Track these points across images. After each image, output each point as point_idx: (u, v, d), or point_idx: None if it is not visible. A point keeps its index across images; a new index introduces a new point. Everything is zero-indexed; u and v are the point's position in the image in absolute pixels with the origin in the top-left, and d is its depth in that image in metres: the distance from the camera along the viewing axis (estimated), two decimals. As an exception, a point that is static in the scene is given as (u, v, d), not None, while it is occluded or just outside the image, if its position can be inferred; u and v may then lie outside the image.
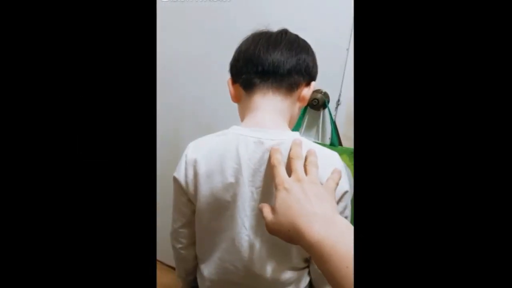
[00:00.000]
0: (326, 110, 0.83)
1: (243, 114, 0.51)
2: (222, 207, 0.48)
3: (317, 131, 0.86)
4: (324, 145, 0.81)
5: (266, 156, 0.44)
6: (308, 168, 0.37)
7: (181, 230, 0.56)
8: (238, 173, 0.45)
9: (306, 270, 0.54)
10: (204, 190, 0.47)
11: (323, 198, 0.34)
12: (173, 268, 1.33)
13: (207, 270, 0.54)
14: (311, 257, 0.33)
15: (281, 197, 0.34)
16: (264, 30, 0.51)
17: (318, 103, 0.81)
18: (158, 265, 1.35)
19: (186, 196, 0.51)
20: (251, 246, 0.48)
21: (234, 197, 0.46)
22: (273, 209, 0.35)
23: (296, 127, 0.82)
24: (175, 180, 0.51)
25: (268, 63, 0.46)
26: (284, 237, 0.34)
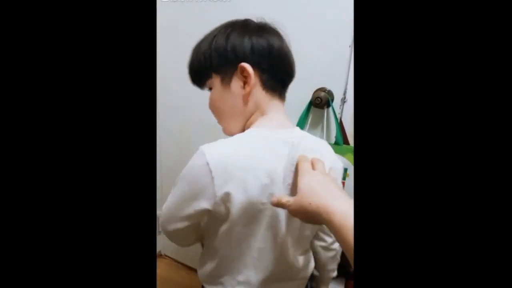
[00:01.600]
0: (330, 108, 0.82)
1: (249, 113, 0.48)
2: (257, 210, 0.46)
3: (322, 129, 0.85)
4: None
5: (293, 154, 0.45)
6: (316, 164, 0.43)
7: (184, 232, 0.53)
8: (273, 173, 0.44)
9: (311, 255, 0.59)
10: (238, 198, 0.44)
11: (334, 182, 0.40)
12: (186, 266, 1.35)
13: (245, 276, 0.52)
14: (334, 231, 0.33)
15: (305, 180, 0.39)
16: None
17: (322, 102, 0.80)
18: (169, 261, 1.37)
19: (205, 203, 0.45)
20: (285, 238, 0.50)
21: (271, 197, 0.44)
22: (297, 192, 0.39)
23: (300, 126, 0.81)
24: (194, 184, 0.45)
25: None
26: (309, 216, 0.37)
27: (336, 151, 0.75)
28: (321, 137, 0.86)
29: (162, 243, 1.38)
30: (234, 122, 0.50)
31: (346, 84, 0.82)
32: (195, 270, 1.25)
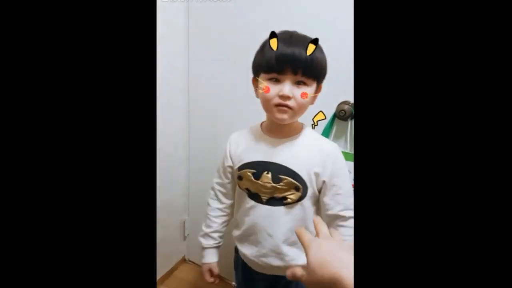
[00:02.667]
0: (354, 121, 0.86)
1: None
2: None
3: (345, 141, 0.89)
4: (351, 154, 0.83)
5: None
6: (318, 227, 0.43)
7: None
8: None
9: None
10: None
11: (341, 245, 0.40)
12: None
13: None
14: None
15: (313, 251, 0.38)
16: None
17: (345, 114, 0.84)
18: (193, 266, 1.41)
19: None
20: None
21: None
22: (307, 265, 0.39)
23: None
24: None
25: None
26: (325, 287, 0.37)
27: (359, 161, 0.78)
28: (345, 148, 0.89)
29: (188, 249, 1.43)
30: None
31: (370, 97, 0.85)
32: (221, 278, 1.28)
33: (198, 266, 1.41)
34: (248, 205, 0.65)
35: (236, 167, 0.66)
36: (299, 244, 0.50)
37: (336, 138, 0.90)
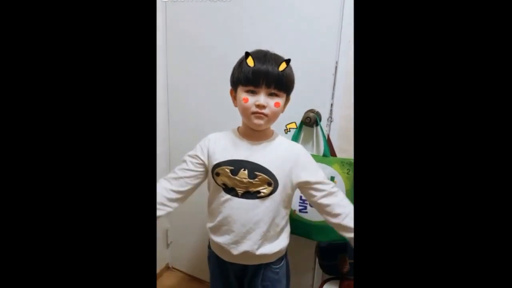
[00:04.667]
0: (319, 126, 0.97)
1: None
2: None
3: (312, 144, 1.00)
4: (318, 156, 0.94)
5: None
6: None
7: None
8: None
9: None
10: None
11: None
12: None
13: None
14: None
15: None
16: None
17: (311, 121, 0.95)
18: (178, 274, 1.45)
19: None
20: None
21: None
22: None
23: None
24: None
25: None
26: None
27: (324, 162, 0.90)
28: (312, 150, 1.00)
29: (171, 256, 1.47)
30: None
31: (331, 105, 0.97)
32: (204, 282, 1.33)
33: (182, 273, 1.45)
34: (223, 198, 0.73)
35: (211, 164, 0.74)
36: (270, 234, 0.60)
37: (304, 142, 1.01)
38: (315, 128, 0.99)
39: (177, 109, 1.28)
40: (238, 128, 0.78)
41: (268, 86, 0.65)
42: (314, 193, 0.72)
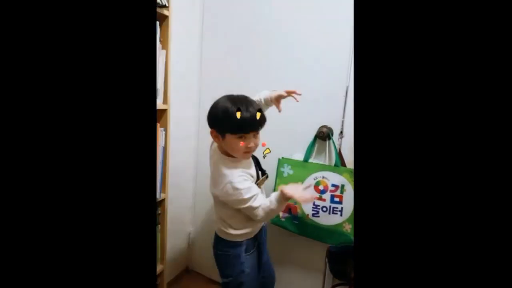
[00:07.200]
0: (331, 140, 1.09)
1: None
2: None
3: (325, 156, 1.11)
4: (329, 166, 1.04)
5: None
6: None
7: None
8: None
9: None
10: None
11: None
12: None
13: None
14: None
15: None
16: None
17: (324, 135, 1.07)
18: (196, 276, 1.53)
19: None
20: None
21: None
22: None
23: (308, 154, 1.07)
24: None
25: None
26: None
27: (336, 171, 1.00)
28: (325, 161, 1.11)
29: (190, 259, 1.56)
30: None
31: (343, 122, 1.08)
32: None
33: (201, 275, 1.53)
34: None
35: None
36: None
37: (317, 154, 1.13)
38: (327, 141, 1.10)
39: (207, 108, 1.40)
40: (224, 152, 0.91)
41: (254, 131, 0.84)
42: None
